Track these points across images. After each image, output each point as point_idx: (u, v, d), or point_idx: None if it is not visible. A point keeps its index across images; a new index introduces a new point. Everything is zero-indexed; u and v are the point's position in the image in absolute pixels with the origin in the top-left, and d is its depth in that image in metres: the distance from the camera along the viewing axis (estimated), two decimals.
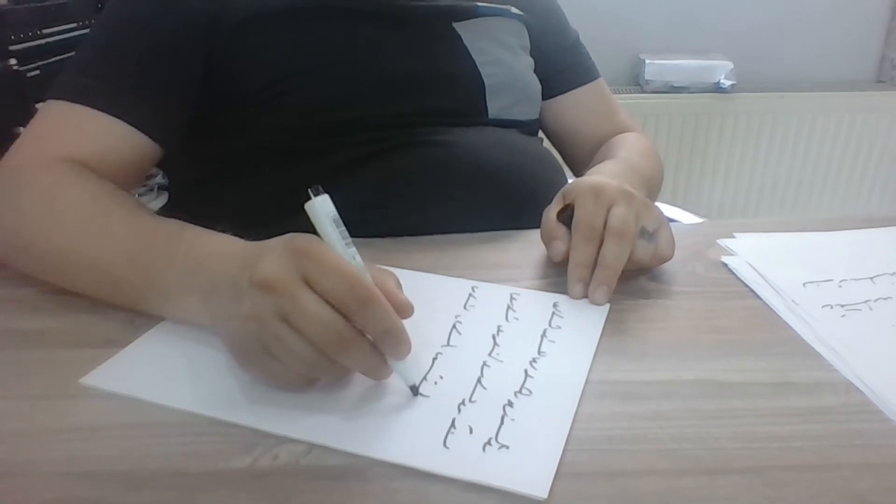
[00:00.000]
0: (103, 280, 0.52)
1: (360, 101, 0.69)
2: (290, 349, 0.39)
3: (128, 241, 0.52)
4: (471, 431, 0.39)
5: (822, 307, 0.53)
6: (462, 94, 0.74)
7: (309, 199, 0.40)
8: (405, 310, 0.42)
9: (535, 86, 0.82)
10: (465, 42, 0.75)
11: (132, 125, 0.63)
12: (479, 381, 0.44)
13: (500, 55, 0.77)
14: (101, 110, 0.62)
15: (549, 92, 0.85)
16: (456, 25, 0.75)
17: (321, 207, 0.41)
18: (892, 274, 0.58)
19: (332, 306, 0.38)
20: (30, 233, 0.55)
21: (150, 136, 0.64)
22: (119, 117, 0.62)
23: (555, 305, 0.53)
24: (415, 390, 0.43)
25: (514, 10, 0.82)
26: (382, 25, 0.72)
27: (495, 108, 0.75)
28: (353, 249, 0.41)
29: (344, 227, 0.41)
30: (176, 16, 0.66)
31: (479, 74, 0.74)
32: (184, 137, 0.69)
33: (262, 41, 0.67)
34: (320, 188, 0.41)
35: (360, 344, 0.39)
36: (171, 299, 0.49)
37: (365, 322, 0.39)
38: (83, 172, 0.58)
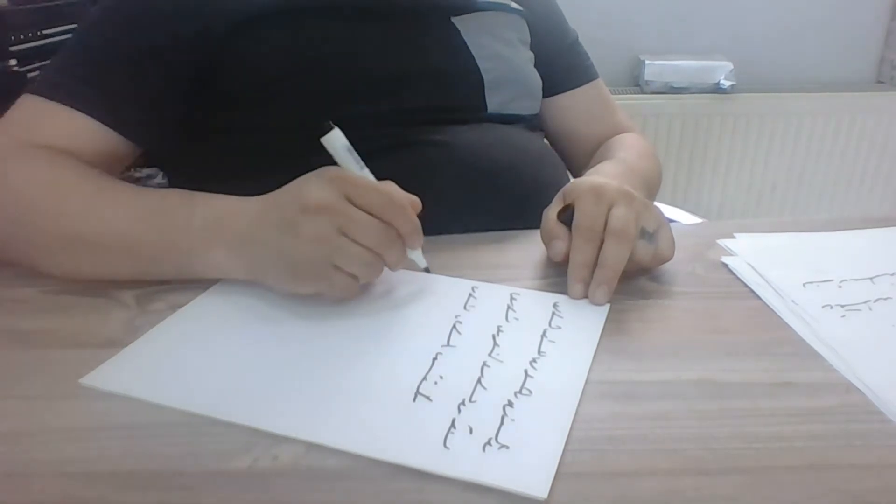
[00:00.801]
0: (118, 247, 0.54)
1: (358, 99, 0.69)
2: (353, 256, 0.48)
3: (139, 206, 0.55)
4: (471, 431, 0.39)
5: (823, 307, 0.53)
6: (460, 90, 0.74)
7: (324, 133, 0.50)
8: (417, 205, 0.52)
9: (536, 80, 0.82)
10: (463, 36, 0.75)
11: (105, 124, 0.63)
12: (479, 381, 0.44)
13: (499, 49, 0.77)
14: (73, 107, 0.62)
15: (547, 91, 0.85)
16: (455, 20, 0.75)
17: (336, 140, 0.50)
18: (892, 274, 0.58)
19: (374, 216, 0.48)
20: (31, 216, 0.56)
21: (124, 136, 0.64)
22: (91, 115, 0.62)
23: (555, 305, 0.53)
24: (428, 270, 0.55)
25: (513, 4, 0.82)
26: (379, 22, 0.72)
27: (494, 102, 0.75)
28: (367, 170, 0.51)
29: (356, 153, 0.51)
30: (162, 22, 0.66)
31: (478, 69, 0.74)
32: (181, 138, 0.69)
33: (256, 44, 0.67)
34: (331, 122, 0.50)
35: (399, 240, 0.50)
36: (195, 256, 0.53)
37: (401, 224, 0.49)
38: (67, 155, 0.59)
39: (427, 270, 0.55)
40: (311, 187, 0.48)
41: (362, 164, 0.51)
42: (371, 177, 0.52)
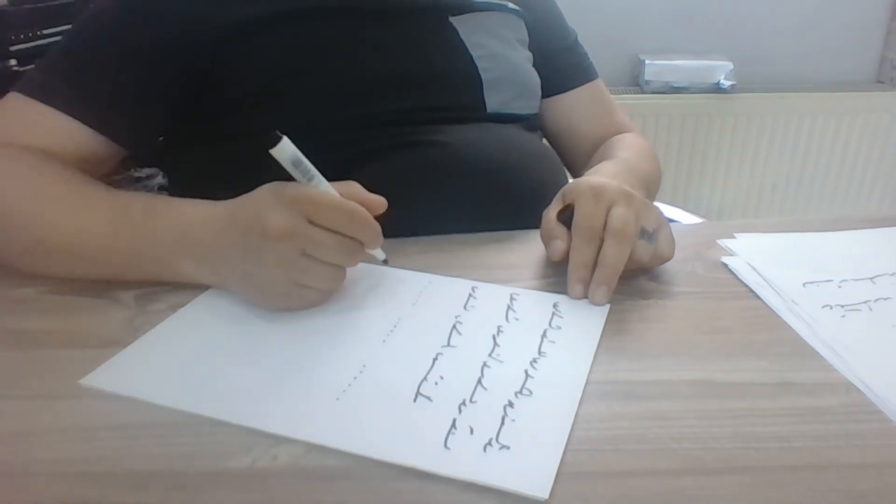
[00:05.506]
0: (90, 255, 0.55)
1: (356, 100, 0.69)
2: (318, 274, 0.50)
3: (108, 215, 0.56)
4: (471, 432, 0.39)
5: (822, 307, 0.53)
6: (458, 90, 0.74)
7: (273, 144, 0.47)
8: (380, 206, 0.52)
9: (534, 79, 0.82)
10: (461, 36, 0.75)
11: (88, 125, 0.63)
12: (479, 381, 0.44)
13: (497, 49, 0.77)
14: (57, 108, 0.62)
15: (546, 92, 0.85)
16: (452, 20, 0.75)
17: (282, 153, 0.48)
18: (892, 274, 0.58)
19: (334, 231, 0.49)
20: (6, 217, 0.56)
21: (108, 138, 0.64)
22: (74, 116, 0.62)
23: (555, 306, 0.53)
24: (386, 262, 0.55)
25: (511, 4, 0.82)
26: (377, 23, 0.72)
27: (494, 102, 0.75)
28: (316, 180, 0.50)
29: (306, 163, 0.49)
30: (155, 27, 0.65)
31: (476, 69, 0.74)
32: (179, 141, 0.69)
33: (253, 47, 0.67)
34: (278, 133, 0.47)
35: (360, 248, 0.51)
36: (165, 266, 0.54)
37: (364, 235, 0.50)
38: (46, 156, 0.59)
39: (385, 262, 0.55)
40: (271, 213, 0.48)
41: (313, 172, 0.49)
42: (324, 184, 0.50)
